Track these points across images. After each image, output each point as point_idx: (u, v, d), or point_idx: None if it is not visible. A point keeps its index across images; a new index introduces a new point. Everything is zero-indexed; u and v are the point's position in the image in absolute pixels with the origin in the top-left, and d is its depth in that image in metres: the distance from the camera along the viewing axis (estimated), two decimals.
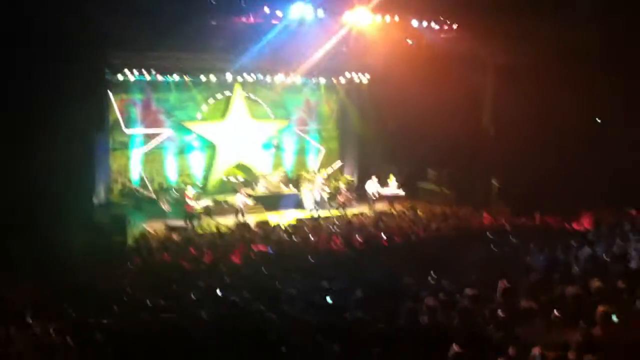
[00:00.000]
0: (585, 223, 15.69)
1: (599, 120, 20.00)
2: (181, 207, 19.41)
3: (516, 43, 18.62)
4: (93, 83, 16.67)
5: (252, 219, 19.05)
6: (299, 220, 18.91)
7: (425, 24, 19.53)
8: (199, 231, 17.83)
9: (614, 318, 6.80)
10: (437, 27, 19.87)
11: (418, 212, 19.49)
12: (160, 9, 16.10)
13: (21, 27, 13.63)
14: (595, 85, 17.65)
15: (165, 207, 19.82)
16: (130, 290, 10.11)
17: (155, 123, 21.77)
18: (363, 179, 23.22)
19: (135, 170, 21.45)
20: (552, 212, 16.73)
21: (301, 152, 24.88)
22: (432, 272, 9.98)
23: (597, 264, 10.38)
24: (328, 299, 8.61)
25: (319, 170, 23.96)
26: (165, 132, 21.92)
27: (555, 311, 7.16)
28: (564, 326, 6.82)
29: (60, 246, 13.76)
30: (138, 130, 21.43)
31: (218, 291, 9.43)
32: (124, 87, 20.76)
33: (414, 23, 19.40)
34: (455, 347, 6.07)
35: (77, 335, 7.47)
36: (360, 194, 22.57)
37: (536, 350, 5.84)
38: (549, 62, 17.93)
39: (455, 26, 19.95)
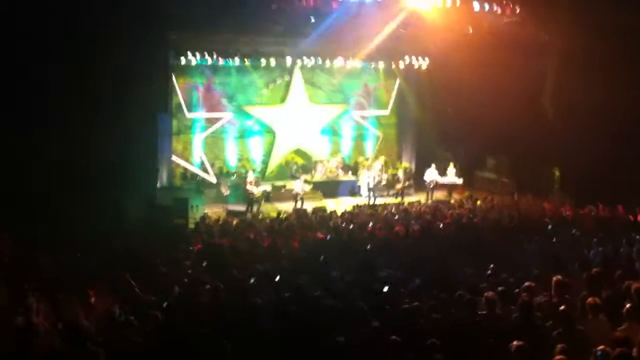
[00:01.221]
0: None
1: None
2: (241, 191, 19.70)
3: (580, 27, 18.10)
4: (157, 66, 16.97)
5: (310, 205, 19.17)
6: (356, 207, 18.95)
7: (487, 7, 19.14)
8: (258, 216, 18.05)
9: None
10: (499, 10, 19.45)
11: (477, 201, 19.23)
12: None
13: (85, 11, 13.95)
14: None
15: (225, 191, 20.13)
16: (191, 272, 10.36)
17: (217, 107, 22.08)
18: (421, 166, 23.06)
19: (197, 154, 21.84)
20: (615, 203, 16.27)
21: (359, 138, 24.82)
22: (491, 264, 9.87)
23: None
24: (385, 287, 8.62)
25: (376, 156, 23.88)
26: (226, 116, 22.21)
27: (618, 306, 7.01)
28: (628, 322, 6.68)
29: (124, 228, 14.18)
30: (200, 114, 21.79)
31: (277, 277, 9.54)
32: (186, 71, 21.13)
33: (476, 6, 19.04)
34: (515, 342, 6.01)
35: (138, 313, 7.69)
36: (418, 182, 22.43)
37: (599, 347, 5.73)
38: (614, 47, 17.35)
39: (517, 10, 19.49)
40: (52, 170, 13.96)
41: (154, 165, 17.94)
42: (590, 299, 7.14)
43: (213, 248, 12.62)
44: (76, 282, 9.00)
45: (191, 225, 16.02)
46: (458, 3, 18.67)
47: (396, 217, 16.55)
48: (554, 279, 8.08)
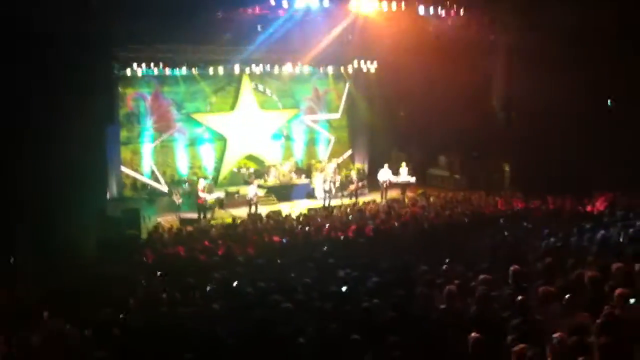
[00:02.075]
0: (599, 205, 15.62)
1: (610, 103, 19.87)
2: (193, 199, 19.48)
3: (524, 25, 18.52)
4: (102, 77, 16.65)
5: (264, 210, 19.08)
6: (311, 210, 18.94)
7: (432, 10, 19.40)
8: (212, 223, 17.87)
9: (632, 301, 6.78)
10: (443, 13, 19.74)
11: (430, 198, 19.43)
12: (167, 2, 16.10)
13: (28, 23, 13.61)
14: (610, 64, 17.49)
15: (177, 200, 19.87)
16: (145, 284, 10.16)
17: (165, 116, 21.81)
18: (374, 167, 23.19)
19: (147, 164, 21.52)
20: (565, 196, 16.65)
21: (311, 142, 24.87)
22: (446, 259, 9.95)
23: (612, 246, 10.32)
24: (343, 288, 8.60)
25: (329, 159, 23.93)
26: (175, 126, 21.95)
27: (572, 294, 7.14)
28: (582, 310, 6.79)
29: (74, 241, 13.84)
30: (148, 124, 21.48)
31: (234, 283, 9.43)
32: (132, 81, 20.83)
33: (421, 10, 19.27)
34: (474, 334, 6.06)
35: (94, 331, 7.50)
36: (371, 182, 22.55)
37: (556, 335, 5.81)
38: (559, 42, 17.78)
39: (462, 11, 19.81)
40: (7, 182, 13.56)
41: (103, 178, 17.58)
42: (544, 288, 7.25)
43: (167, 258, 12.43)
44: (30, 310, 8.75)
45: (144, 236, 15.74)
46: (403, 7, 18.89)
47: (351, 217, 16.58)
48: (512, 269, 8.20)
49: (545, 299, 7.17)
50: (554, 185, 17.29)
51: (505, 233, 12.75)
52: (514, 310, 7.03)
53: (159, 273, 10.63)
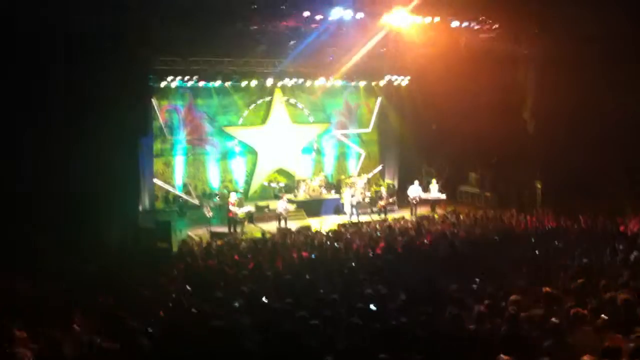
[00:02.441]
0: (633, 226, 15.34)
1: None
2: (224, 213, 19.60)
3: (555, 40, 18.35)
4: (138, 89, 16.93)
5: (293, 225, 19.11)
6: (341, 225, 18.93)
7: (465, 24, 19.35)
8: (242, 237, 17.96)
9: None
10: (477, 27, 19.68)
11: (460, 216, 19.28)
12: (201, 15, 16.31)
13: (69, 36, 13.91)
14: None
15: (208, 213, 20.00)
16: (175, 296, 10.23)
17: (197, 129, 22.04)
18: (404, 182, 23.12)
19: (179, 177, 21.74)
20: (598, 215, 16.39)
21: (341, 157, 24.90)
22: (476, 278, 9.86)
23: None
24: (371, 305, 8.56)
25: (359, 174, 23.91)
26: (208, 139, 22.16)
27: (604, 317, 7.02)
28: (615, 333, 6.68)
29: (106, 252, 14.02)
30: (181, 137, 21.73)
31: (263, 298, 9.45)
32: (167, 94, 21.13)
33: (454, 24, 19.24)
34: (503, 357, 5.98)
35: (123, 340, 7.56)
36: (401, 198, 22.46)
37: (586, 358, 5.72)
38: (592, 58, 17.58)
39: (495, 26, 19.73)
40: (35, 195, 13.80)
41: (136, 189, 17.81)
42: (575, 310, 7.14)
43: (197, 271, 12.50)
44: (58, 310, 8.84)
45: (174, 249, 15.87)
46: (436, 20, 18.88)
47: (380, 233, 16.53)
48: (543, 290, 8.09)
49: (577, 320, 7.07)
50: (586, 204, 17.03)
51: (537, 252, 12.59)
52: (544, 332, 6.94)
53: (188, 287, 10.68)
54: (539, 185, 20.99)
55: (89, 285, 10.68)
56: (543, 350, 6.39)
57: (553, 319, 7.02)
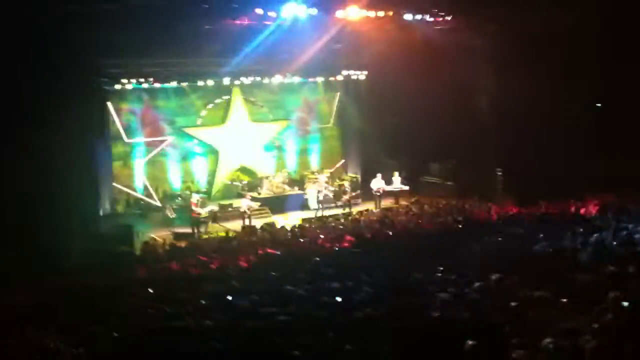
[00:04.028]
0: (591, 209, 15.65)
1: (599, 105, 19.99)
2: (187, 213, 19.42)
3: (511, 29, 18.62)
4: (90, 92, 16.67)
5: (258, 222, 19.03)
6: (305, 221, 18.91)
7: (419, 17, 19.46)
8: (206, 237, 17.82)
9: (625, 304, 6.77)
10: (430, 19, 19.80)
11: (424, 206, 19.42)
12: (153, 16, 16.09)
13: (19, 38, 13.63)
14: (598, 66, 17.62)
15: (170, 214, 19.82)
16: (139, 299, 10.10)
17: (156, 131, 21.77)
18: (367, 176, 23.19)
19: (139, 179, 21.45)
20: (557, 200, 16.68)
21: (303, 153, 24.83)
22: (439, 266, 9.94)
23: (605, 250, 10.34)
24: (337, 298, 8.57)
25: (322, 169, 23.92)
26: (167, 140, 21.93)
27: (564, 299, 7.14)
28: (576, 314, 6.79)
29: (66, 257, 13.78)
30: (139, 139, 21.45)
31: (228, 297, 9.39)
32: (122, 96, 20.77)
33: (408, 17, 19.33)
34: (469, 341, 6.04)
35: (85, 345, 7.46)
36: (364, 191, 22.54)
37: (548, 340, 5.80)
38: (547, 46, 17.90)
39: (449, 17, 19.89)
40: None
41: (94, 193, 17.54)
42: (538, 293, 7.25)
43: (160, 273, 12.37)
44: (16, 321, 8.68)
45: (137, 252, 15.68)
46: (390, 13, 18.95)
47: (345, 227, 16.56)
48: (499, 276, 8.20)
49: (540, 303, 7.17)
50: (546, 190, 17.32)
51: (499, 239, 12.75)
52: (508, 317, 7.02)
53: (150, 290, 10.56)
54: (499, 173, 21.27)
55: (51, 295, 10.49)
56: (506, 333, 6.46)
57: (514, 303, 7.12)
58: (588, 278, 7.77)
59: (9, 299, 10.16)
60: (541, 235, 12.06)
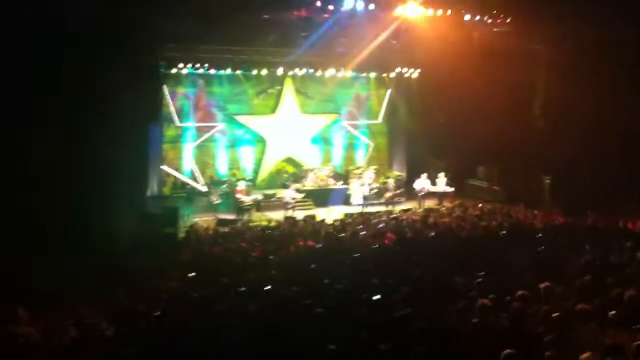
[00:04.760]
0: None
1: None
2: (231, 200, 19.65)
3: (568, 39, 18.25)
4: (148, 76, 16.98)
5: (301, 214, 19.13)
6: (347, 216, 18.92)
7: (477, 17, 19.23)
8: (249, 225, 18.00)
9: None
10: (489, 20, 19.56)
11: (468, 209, 19.23)
12: (213, 3, 16.29)
13: (77, 22, 13.92)
14: None
15: (215, 200, 20.07)
16: (180, 282, 10.29)
17: (207, 116, 22.07)
18: (412, 174, 23.07)
19: (188, 163, 21.78)
20: (606, 212, 16.31)
21: (350, 147, 24.84)
22: (481, 271, 9.85)
23: None
24: (376, 295, 8.58)
25: (367, 165, 23.88)
26: (217, 126, 22.19)
27: (609, 314, 7.01)
28: (620, 329, 6.67)
29: (113, 236, 14.10)
30: (190, 124, 21.76)
31: (267, 286, 9.48)
32: (177, 81, 21.17)
33: (466, 17, 19.12)
34: (507, 350, 5.98)
35: (127, 324, 7.63)
36: (409, 190, 22.43)
37: (587, 355, 5.72)
38: (606, 55, 17.48)
39: (508, 20, 19.60)
40: (41, 180, 13.86)
41: (144, 174, 17.87)
42: (580, 306, 7.13)
43: (203, 257, 12.56)
44: (67, 294, 8.92)
45: (181, 235, 15.94)
46: (449, 12, 18.77)
47: (387, 225, 16.51)
48: (541, 285, 8.08)
49: (582, 316, 7.05)
50: (595, 201, 16.95)
51: (543, 247, 12.55)
52: (548, 327, 6.93)
53: (192, 273, 10.73)
54: (547, 181, 20.90)
55: (99, 272, 10.76)
56: (546, 344, 6.38)
57: (557, 314, 7.02)
58: (634, 294, 7.58)
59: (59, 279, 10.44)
60: (587, 247, 11.82)
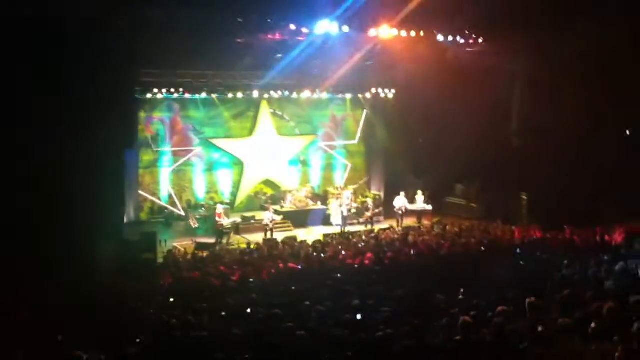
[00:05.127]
0: (617, 237, 15.43)
1: (628, 132, 19.79)
2: (210, 224, 19.53)
3: (541, 54, 18.54)
4: (124, 102, 16.88)
5: (280, 235, 19.07)
6: (327, 236, 18.90)
7: (450, 38, 19.47)
8: (228, 248, 17.89)
9: None
10: (462, 40, 19.81)
11: (447, 227, 19.31)
12: (187, 28, 16.32)
13: (53, 46, 13.87)
14: (626, 92, 17.46)
15: (193, 224, 19.94)
16: (160, 308, 10.16)
17: (184, 140, 22.00)
18: (390, 194, 23.15)
19: (165, 188, 21.64)
20: (583, 226, 16.47)
21: (328, 168, 24.91)
22: (462, 288, 9.86)
23: (630, 279, 10.19)
24: (358, 315, 8.54)
25: (345, 185, 23.93)
26: (194, 150, 22.11)
27: (590, 326, 7.04)
28: (600, 342, 6.69)
29: (90, 263, 13.92)
30: (167, 148, 21.66)
31: (248, 309, 9.40)
32: (153, 105, 21.11)
33: (439, 37, 19.36)
34: None
35: (108, 353, 7.50)
36: (387, 209, 22.49)
37: None
38: (575, 71, 17.78)
39: (480, 40, 19.87)
40: (17, 206, 13.69)
41: (121, 200, 17.72)
42: (562, 320, 7.16)
43: (182, 282, 12.42)
44: (47, 324, 8.77)
45: (160, 260, 15.79)
46: (422, 34, 18.96)
47: (366, 244, 16.51)
48: (528, 301, 8.09)
49: (564, 330, 7.08)
50: (571, 216, 17.12)
51: (522, 263, 12.62)
52: (531, 342, 6.94)
53: (171, 299, 10.62)
54: (524, 197, 21.10)
55: (77, 300, 10.59)
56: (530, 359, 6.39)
57: (539, 329, 7.04)
58: (613, 306, 7.63)
59: (40, 299, 10.29)
60: (565, 261, 11.91)
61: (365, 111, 25.15)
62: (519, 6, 17.41)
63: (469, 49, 20.28)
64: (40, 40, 13.67)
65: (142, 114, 20.85)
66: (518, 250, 14.21)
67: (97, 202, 14.73)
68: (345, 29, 18.02)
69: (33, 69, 13.76)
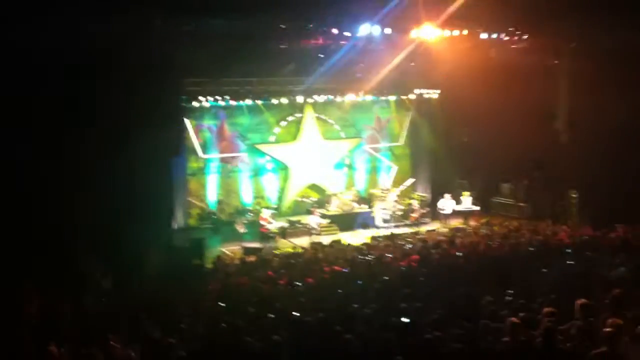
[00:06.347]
0: None
1: None
2: (257, 229, 19.73)
3: (587, 51, 18.20)
4: (170, 110, 17.18)
5: (326, 239, 19.14)
6: (373, 239, 18.90)
7: (494, 35, 19.27)
8: (275, 252, 18.05)
9: None
10: (506, 38, 19.59)
11: (494, 227, 19.09)
12: (231, 36, 16.57)
13: (102, 58, 14.21)
14: None
15: (241, 229, 20.16)
16: (209, 313, 10.34)
17: (231, 147, 22.29)
18: (436, 195, 23.02)
19: (212, 194, 21.95)
20: (635, 225, 16.09)
21: (373, 171, 24.88)
22: (510, 290, 9.76)
23: None
24: (405, 318, 8.54)
25: (391, 188, 23.88)
26: (240, 156, 22.39)
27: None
28: None
29: (140, 269, 14.22)
30: (214, 155, 21.98)
31: (294, 313, 9.49)
32: (199, 113, 21.41)
33: (483, 36, 19.18)
34: None
35: (157, 356, 7.67)
36: (433, 211, 22.36)
37: None
38: (622, 68, 17.37)
39: (525, 36, 19.61)
40: (71, 216, 14.06)
41: (170, 207, 18.04)
42: (612, 320, 7.03)
43: (231, 288, 12.60)
44: (97, 329, 8.99)
45: (208, 265, 16.03)
46: (465, 32, 18.83)
47: (413, 246, 16.46)
48: (578, 302, 7.97)
49: (615, 331, 6.96)
50: (623, 213, 16.74)
51: (572, 263, 12.41)
52: (581, 343, 6.85)
53: (222, 303, 10.78)
54: (573, 195, 20.71)
55: (128, 305, 10.85)
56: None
57: (588, 330, 6.94)
58: None
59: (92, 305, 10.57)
60: (617, 260, 11.67)
61: (409, 112, 25.03)
62: (564, 0, 17.14)
63: (513, 46, 20.04)
64: (88, 53, 14.02)
65: (192, 122, 21.20)
66: (568, 250, 13.95)
67: (147, 211, 15.03)
68: (388, 30, 18.02)
69: (80, 82, 14.12)
